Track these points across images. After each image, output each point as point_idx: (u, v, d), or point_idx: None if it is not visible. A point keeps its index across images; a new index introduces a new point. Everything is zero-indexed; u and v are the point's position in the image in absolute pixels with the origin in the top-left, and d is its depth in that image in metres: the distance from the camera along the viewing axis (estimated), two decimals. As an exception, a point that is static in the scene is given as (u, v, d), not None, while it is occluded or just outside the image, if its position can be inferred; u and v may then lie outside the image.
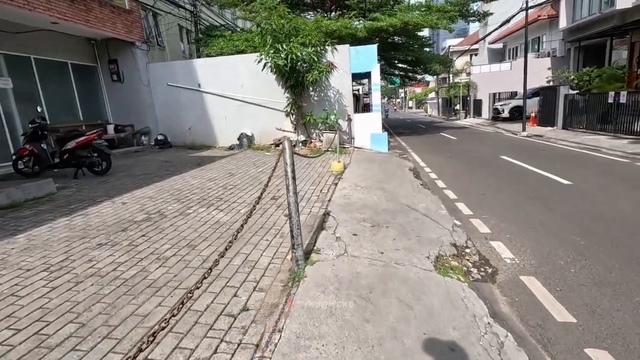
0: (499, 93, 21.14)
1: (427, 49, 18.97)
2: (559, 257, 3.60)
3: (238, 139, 11.32)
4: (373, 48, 10.85)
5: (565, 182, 6.39)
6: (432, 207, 5.28)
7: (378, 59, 12.44)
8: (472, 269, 3.48)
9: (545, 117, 14.74)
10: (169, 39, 15.70)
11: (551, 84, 20.27)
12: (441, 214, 4.97)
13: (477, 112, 24.05)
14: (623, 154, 8.63)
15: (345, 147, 11.20)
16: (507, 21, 17.32)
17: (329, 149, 10.56)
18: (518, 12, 18.75)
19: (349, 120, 11.18)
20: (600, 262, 3.45)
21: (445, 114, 31.77)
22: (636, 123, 10.25)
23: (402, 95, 68.35)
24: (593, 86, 14.66)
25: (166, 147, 11.37)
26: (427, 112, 41.51)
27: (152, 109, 11.67)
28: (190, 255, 3.34)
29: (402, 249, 3.60)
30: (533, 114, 15.84)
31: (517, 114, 18.65)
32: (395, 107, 44.67)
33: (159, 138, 11.36)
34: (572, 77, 18.97)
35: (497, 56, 32.18)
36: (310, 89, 11.12)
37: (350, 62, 10.91)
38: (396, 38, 19.15)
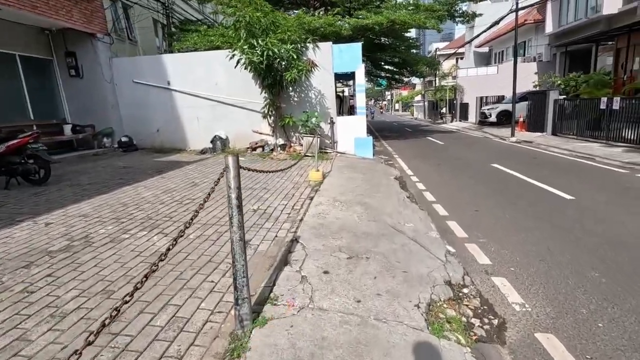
0: (486, 97, 20.79)
1: (414, 51, 18.39)
2: (579, 303, 2.87)
3: (211, 141, 10.38)
4: (357, 46, 10.10)
5: (566, 196, 5.75)
6: (420, 227, 4.52)
7: (363, 60, 11.73)
8: (473, 320, 2.71)
9: (534, 123, 14.32)
10: (142, 34, 14.62)
11: (537, 88, 20.03)
12: (432, 237, 4.21)
13: (464, 116, 23.68)
14: (619, 164, 8.11)
15: (327, 152, 10.41)
16: (497, 22, 16.92)
17: (309, 154, 9.76)
18: (507, 14, 18.39)
19: (332, 123, 10.40)
20: (634, 311, 2.73)
21: (431, 117, 31.42)
22: (629, 130, 9.81)
23: (389, 97, 68.21)
24: (581, 91, 14.33)
25: (131, 150, 10.33)
26: (413, 115, 41.21)
27: (116, 108, 10.61)
28: (99, 310, 2.46)
29: (385, 292, 2.81)
30: (521, 119, 15.42)
31: (505, 119, 18.29)
32: (381, 110, 44.24)
33: (123, 140, 10.31)
34: (559, 82, 18.75)
35: (483, 60, 32.06)
36: (290, 89, 10.29)
37: (333, 61, 10.13)
38: (382, 39, 18.54)
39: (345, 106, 23.71)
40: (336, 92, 15.22)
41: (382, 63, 22.15)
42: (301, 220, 4.38)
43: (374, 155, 10.58)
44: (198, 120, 10.65)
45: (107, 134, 10.44)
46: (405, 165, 9.30)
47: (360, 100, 10.52)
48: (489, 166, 8.67)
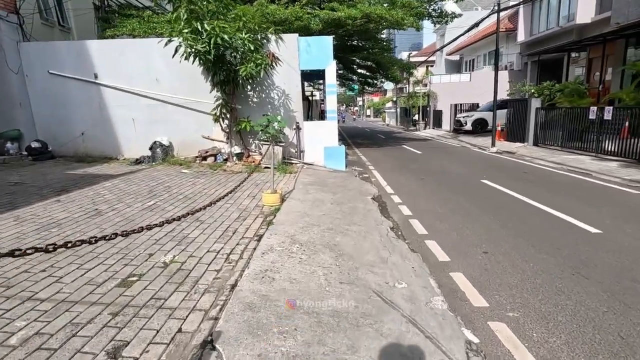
0: (461, 104, 20.08)
1: (388, 55, 17.27)
2: None
3: (150, 148, 8.46)
4: (328, 40, 8.60)
5: (590, 229, 4.48)
6: (417, 289, 3.00)
7: (336, 62, 10.30)
8: None
9: (514, 132, 13.49)
10: (81, 21, 12.36)
11: (511, 97, 19.57)
12: (437, 311, 2.69)
13: (437, 124, 22.93)
14: (621, 181, 7.10)
15: (292, 163, 8.79)
16: (476, 26, 16.05)
17: (270, 166, 8.11)
18: (485, 18, 17.70)
19: (298, 129, 8.81)
20: None
21: (403, 124, 30.69)
22: (621, 142, 8.96)
23: (360, 103, 67.83)
24: (557, 100, 13.67)
25: (43, 159, 8.18)
26: (385, 122, 40.60)
27: (26, 105, 8.42)
28: None
29: None
30: (499, 128, 14.59)
31: (480, 127, 17.55)
32: (354, 116, 43.01)
33: (33, 146, 8.15)
34: (532, 90, 18.28)
35: (454, 68, 31.86)
36: (249, 87, 8.60)
37: (300, 56, 8.57)
38: (355, 40, 17.30)
39: (314, 110, 22.30)
40: (304, 93, 13.68)
41: (355, 66, 20.96)
42: (233, 286, 2.72)
43: (346, 166, 9.09)
44: (134, 122, 8.68)
45: (13, 138, 8.23)
46: (383, 180, 7.87)
47: (331, 103, 9.01)
48: (478, 182, 7.42)
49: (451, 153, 12.38)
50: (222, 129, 8.44)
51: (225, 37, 6.63)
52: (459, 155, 11.74)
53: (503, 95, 23.23)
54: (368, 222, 4.68)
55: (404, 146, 15.07)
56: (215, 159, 8.65)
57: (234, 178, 7.00)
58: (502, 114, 17.23)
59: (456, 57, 32.40)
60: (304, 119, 9.09)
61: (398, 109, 33.97)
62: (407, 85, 42.03)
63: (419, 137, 19.64)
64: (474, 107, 20.21)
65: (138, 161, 8.25)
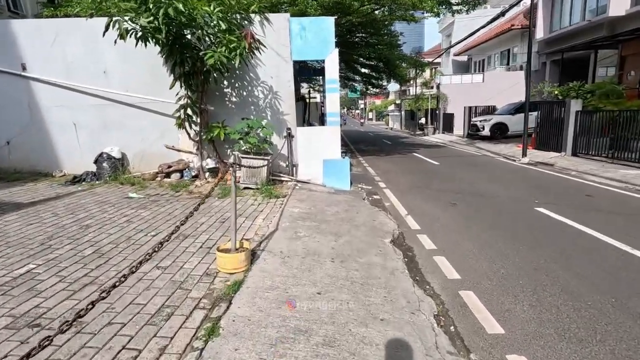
0: (475, 107, 18.02)
1: (397, 51, 15.24)
2: None
3: (96, 161, 6.40)
4: (328, 22, 6.56)
5: None
6: None
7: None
8: None
9: (546, 139, 11.42)
10: (37, 6, 10.34)
11: (531, 99, 17.51)
12: None
13: (448, 128, 20.86)
14: None
15: (281, 181, 6.74)
16: (496, 19, 14.05)
17: (252, 186, 6.06)
18: (507, 11, 15.64)
19: (289, 136, 6.76)
20: None
21: (409, 128, 28.62)
22: None
23: (362, 106, 65.85)
24: (590, 102, 11.57)
25: (-50, 176, 6.14)
26: (388, 125, 38.53)
27: None
28: None
29: None
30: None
31: (499, 133, 15.48)
32: (361, 120, 40.28)
33: (-63, 158, 6.11)
34: (556, 92, 16.23)
35: (462, 69, 29.83)
36: (225, 83, 6.57)
37: (292, 43, 6.53)
38: (359, 36, 15.29)
39: (312, 114, 20.25)
40: (298, 91, 11.56)
41: (358, 65, 18.96)
42: None
43: (351, 184, 7.03)
44: (76, 127, 6.63)
45: None
46: (402, 206, 5.80)
47: (332, 104, 6.95)
48: (532, 211, 5.37)
49: (475, 164, 10.30)
50: (190, 137, 6.38)
51: (180, 6, 4.58)
52: (485, 168, 9.66)
53: (520, 97, 21.20)
54: (396, 306, 2.60)
55: (416, 154, 12.99)
56: (182, 176, 6.60)
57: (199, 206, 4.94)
58: (519, 118, 15.17)
59: (464, 58, 30.39)
60: (297, 124, 7.03)
61: (403, 112, 31.92)
62: (411, 87, 40.05)
63: (429, 143, 17.56)
64: (489, 110, 18.14)
65: (76, 180, 6.19)
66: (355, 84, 21.45)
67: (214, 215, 4.63)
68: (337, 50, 6.64)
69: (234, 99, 6.66)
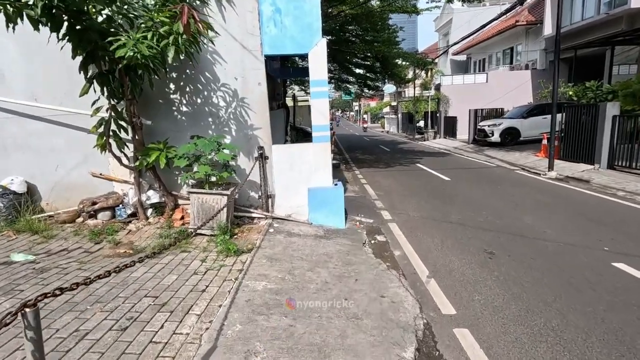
0: (481, 110, 16.32)
1: (396, 48, 13.49)
2: None
3: (-9, 199, 4.54)
4: (312, 1, 4.76)
5: None
6: None
7: (328, 60, 6.50)
8: None
9: (573, 149, 9.70)
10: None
11: (544, 100, 15.87)
12: None
13: (450, 132, 19.17)
14: None
15: (251, 219, 4.92)
16: (502, 15, 12.37)
17: (207, 232, 4.25)
18: (507, 11, 13.97)
19: (262, 158, 4.94)
20: None
21: (407, 132, 26.92)
22: None
23: (356, 108, 64.18)
24: (631, 104, 9.95)
25: None
26: (384, 128, 36.83)
27: None
28: None
29: None
30: (545, 141, 10.83)
31: (510, 138, 13.78)
32: (365, 125, 37.69)
33: None
34: (570, 92, 14.61)
35: (460, 69, 28.25)
36: (172, 87, 4.73)
37: (264, 30, 4.72)
38: (353, 31, 13.58)
39: (304, 119, 18.47)
40: (279, 96, 9.67)
41: (352, 66, 17.22)
42: None
43: (346, 218, 5.23)
44: (-36, 150, 4.76)
45: None
46: (419, 260, 4.02)
47: (320, 113, 5.12)
48: (611, 269, 3.60)
49: (493, 180, 8.54)
50: (121, 162, 4.52)
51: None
52: (508, 186, 7.90)
53: (528, 99, 19.59)
54: None
55: (420, 165, 11.23)
56: (113, 215, 4.75)
57: (118, 272, 3.11)
58: (538, 122, 13.52)
59: (463, 58, 28.82)
60: (275, 140, 5.22)
61: (400, 115, 30.24)
62: (407, 89, 38.40)
63: (432, 150, 15.82)
64: (497, 113, 16.46)
65: (-46, 226, 4.32)
66: (350, 86, 19.69)
67: (127, 301, 2.80)
68: (324, 40, 4.84)
69: (183, 109, 4.83)
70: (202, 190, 4.20)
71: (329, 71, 19.75)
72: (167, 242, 3.86)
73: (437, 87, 21.53)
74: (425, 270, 3.79)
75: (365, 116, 48.41)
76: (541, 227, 5.00)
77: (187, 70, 4.66)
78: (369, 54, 14.19)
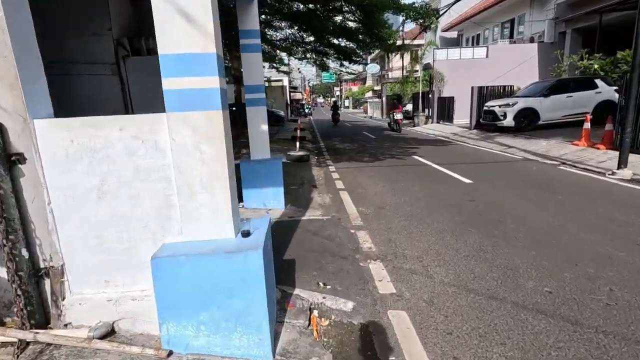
0: (485, 88, 13.14)
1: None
2: None
3: None
4: None
5: None
6: None
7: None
8: None
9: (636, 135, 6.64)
10: None
11: (562, 76, 12.86)
12: None
13: (445, 116, 16.05)
14: None
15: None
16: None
17: None
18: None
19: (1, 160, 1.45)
20: None
21: (392, 117, 23.64)
22: None
23: (337, 93, 60.42)
24: None
25: None
26: (367, 113, 33.51)
27: None
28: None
29: None
30: (587, 125, 7.75)
31: (526, 122, 10.71)
32: (369, 115, 31.80)
33: None
34: (596, 66, 11.65)
35: (451, 47, 25.03)
36: None
37: None
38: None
39: (277, 101, 14.88)
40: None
41: (329, 35, 13.66)
42: None
43: (285, 315, 1.85)
44: None
45: None
46: None
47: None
48: None
49: (542, 185, 5.35)
50: None
51: None
52: (573, 196, 4.73)
53: (534, 76, 16.59)
54: None
55: (419, 158, 8.00)
56: None
57: None
58: (562, 102, 10.48)
59: (453, 34, 25.58)
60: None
61: (384, 98, 26.92)
62: (390, 72, 34.99)
63: (427, 138, 12.64)
64: (506, 91, 13.35)
65: None
66: (328, 60, 16.10)
67: None
68: None
69: None
70: None
71: (306, 43, 16.09)
72: None
73: (426, 67, 18.18)
74: None
75: (339, 101, 44.77)
76: None
77: None
78: (348, 8, 10.66)
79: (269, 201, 4.16)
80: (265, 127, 4.06)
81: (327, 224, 3.83)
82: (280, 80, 23.60)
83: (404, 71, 21.36)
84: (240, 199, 4.17)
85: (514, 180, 5.70)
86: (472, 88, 12.74)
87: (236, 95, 12.07)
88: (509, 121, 10.71)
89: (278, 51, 18.53)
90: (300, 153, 7.75)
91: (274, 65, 20.53)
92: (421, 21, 9.60)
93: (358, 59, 14.59)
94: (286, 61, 22.19)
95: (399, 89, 21.96)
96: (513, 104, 10.74)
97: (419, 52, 17.33)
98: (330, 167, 7.43)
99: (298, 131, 8.08)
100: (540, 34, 16.89)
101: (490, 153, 8.66)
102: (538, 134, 9.91)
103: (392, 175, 6.35)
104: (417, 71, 21.66)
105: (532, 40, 17.07)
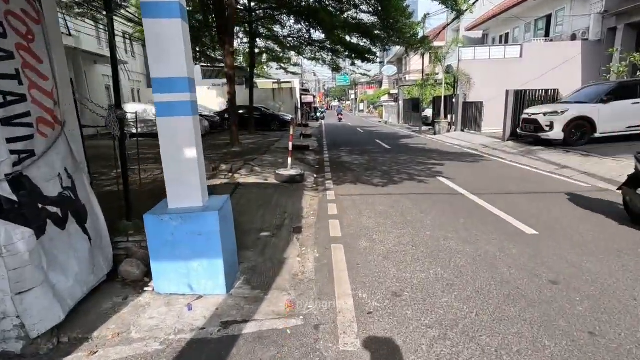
0: (523, 92, 10.94)
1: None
2: None
3: None
4: None
5: None
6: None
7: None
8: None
9: None
10: None
11: (616, 79, 10.58)
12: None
13: (471, 124, 13.90)
14: None
15: None
16: None
17: None
18: None
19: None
20: None
21: (410, 122, 21.62)
22: None
23: (352, 96, 58.32)
24: None
25: None
26: (382, 118, 31.36)
27: None
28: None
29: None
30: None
31: (579, 135, 8.52)
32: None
33: None
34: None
35: (478, 45, 22.70)
36: None
37: None
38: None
39: (285, 104, 13.20)
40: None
41: (341, 32, 11.81)
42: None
43: None
44: None
45: None
46: None
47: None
48: None
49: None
50: None
51: None
52: None
53: (576, 79, 14.25)
54: None
55: (445, 181, 6.01)
56: None
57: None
58: (627, 110, 8.27)
59: (478, 34, 23.23)
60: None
61: (401, 102, 24.81)
62: (407, 75, 32.76)
63: (452, 150, 10.57)
64: (549, 95, 11.12)
65: None
66: (339, 59, 14.23)
67: None
68: None
69: None
70: None
71: (315, 40, 14.30)
72: None
73: (448, 70, 15.98)
74: None
75: (354, 104, 43.10)
76: None
77: None
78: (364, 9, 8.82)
79: (199, 281, 2.32)
80: (193, 152, 2.24)
81: (293, 348, 1.96)
82: (290, 82, 21.86)
83: (424, 74, 19.24)
84: (149, 276, 2.36)
85: (602, 230, 3.67)
86: (507, 92, 10.58)
87: (230, 97, 10.33)
88: (556, 133, 8.55)
89: (286, 50, 16.84)
90: (292, 172, 5.91)
91: (282, 65, 18.83)
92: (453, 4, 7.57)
93: (372, 57, 12.67)
94: (294, 61, 20.46)
95: (417, 93, 19.86)
96: (562, 112, 8.57)
97: (442, 51, 15.13)
98: (328, 191, 5.55)
99: (290, 142, 6.21)
100: (583, 30, 14.48)
101: (540, 176, 6.58)
102: (594, 150, 7.75)
103: (411, 213, 4.41)
104: (437, 74, 19.50)
105: (574, 37, 14.69)
